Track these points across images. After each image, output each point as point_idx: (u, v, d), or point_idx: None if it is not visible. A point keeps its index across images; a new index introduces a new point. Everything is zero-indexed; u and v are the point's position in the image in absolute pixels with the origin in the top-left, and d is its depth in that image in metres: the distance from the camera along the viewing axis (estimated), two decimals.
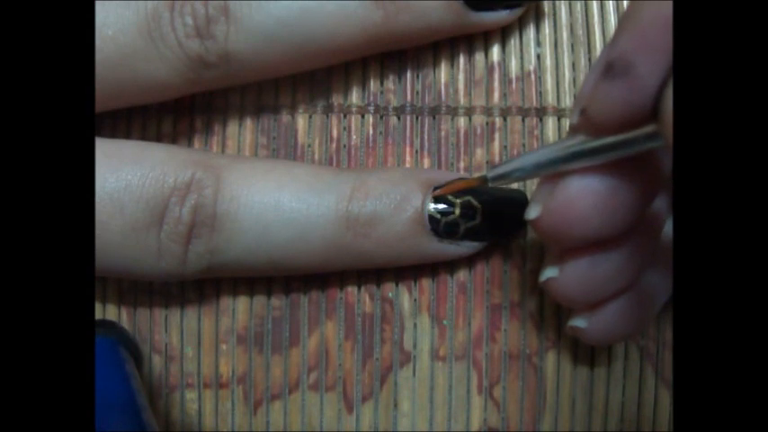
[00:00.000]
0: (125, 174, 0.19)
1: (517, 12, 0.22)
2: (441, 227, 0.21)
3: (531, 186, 0.22)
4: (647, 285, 0.20)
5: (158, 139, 0.22)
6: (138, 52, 0.19)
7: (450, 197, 0.20)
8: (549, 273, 0.19)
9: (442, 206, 0.20)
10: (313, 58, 0.21)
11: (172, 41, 0.19)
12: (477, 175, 0.22)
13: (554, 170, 0.18)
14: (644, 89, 0.15)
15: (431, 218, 0.20)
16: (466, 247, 0.21)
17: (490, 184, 0.19)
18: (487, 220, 0.21)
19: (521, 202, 0.21)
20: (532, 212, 0.18)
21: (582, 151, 0.17)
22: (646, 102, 0.15)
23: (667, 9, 0.14)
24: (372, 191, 0.20)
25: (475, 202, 0.21)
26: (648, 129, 0.16)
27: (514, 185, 0.22)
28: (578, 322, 0.20)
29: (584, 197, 0.17)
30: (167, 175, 0.19)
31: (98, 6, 0.19)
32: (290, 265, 0.21)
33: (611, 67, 0.15)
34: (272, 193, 0.20)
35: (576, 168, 0.17)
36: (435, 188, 0.21)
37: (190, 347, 0.22)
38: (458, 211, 0.21)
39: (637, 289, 0.19)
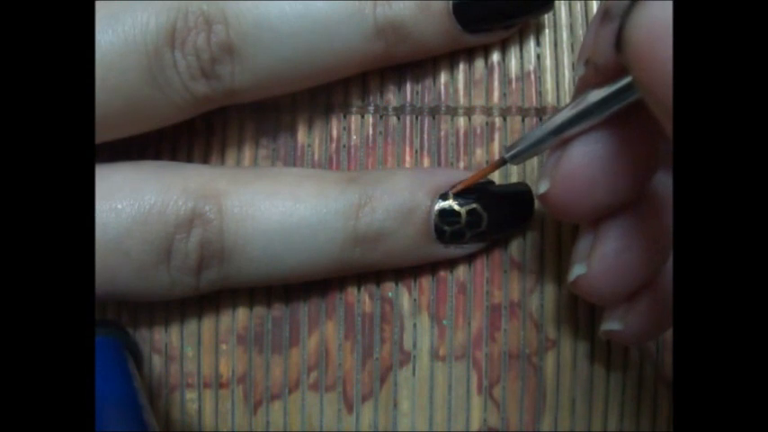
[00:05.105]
0: (124, 217, 0.19)
1: (514, 28, 0.22)
2: (447, 236, 0.21)
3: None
4: (671, 279, 0.20)
5: (159, 139, 0.22)
6: (145, 100, 0.19)
7: (456, 207, 0.21)
8: (578, 270, 0.19)
9: (448, 217, 0.21)
10: (313, 82, 0.21)
11: (178, 85, 0.19)
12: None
13: (561, 137, 0.18)
14: None
15: (437, 228, 0.21)
16: (470, 248, 0.22)
17: (509, 164, 0.20)
18: (493, 226, 0.21)
19: (524, 197, 0.22)
20: (542, 187, 0.18)
21: (578, 113, 0.17)
22: None
23: None
24: (379, 205, 0.20)
25: (481, 210, 0.21)
26: (628, 79, 0.16)
27: (517, 179, 0.22)
28: (613, 325, 0.20)
29: (588, 163, 0.17)
30: (168, 212, 0.19)
31: (98, 56, 0.18)
32: (300, 281, 0.21)
33: (608, 12, 0.16)
34: (277, 221, 0.20)
35: (579, 132, 0.18)
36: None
37: (190, 347, 0.22)
38: (464, 221, 0.21)
39: (663, 282, 0.19)
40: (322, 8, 0.19)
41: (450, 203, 0.21)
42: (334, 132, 0.23)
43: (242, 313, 0.22)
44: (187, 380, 0.22)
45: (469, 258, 0.22)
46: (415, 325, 0.22)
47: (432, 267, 0.22)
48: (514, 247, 0.23)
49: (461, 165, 0.23)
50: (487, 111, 0.23)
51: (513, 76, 0.23)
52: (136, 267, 0.19)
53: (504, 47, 0.23)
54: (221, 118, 0.23)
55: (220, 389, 0.22)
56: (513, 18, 0.22)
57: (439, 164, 0.23)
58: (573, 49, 0.23)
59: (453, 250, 0.21)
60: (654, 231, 0.19)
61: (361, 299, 0.22)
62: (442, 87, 0.23)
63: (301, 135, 0.23)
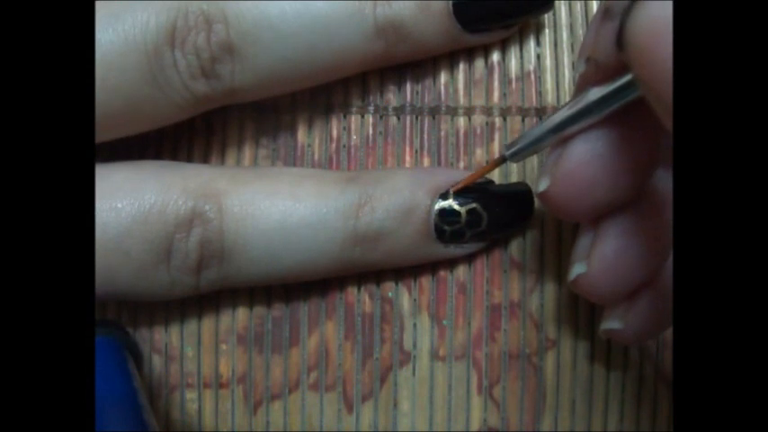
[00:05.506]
0: (124, 217, 0.19)
1: (514, 28, 0.22)
2: (447, 236, 0.21)
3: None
4: (671, 277, 0.20)
5: (159, 139, 0.22)
6: (145, 99, 0.19)
7: (456, 207, 0.21)
8: (578, 269, 0.19)
9: (448, 217, 0.21)
10: (313, 82, 0.21)
11: (178, 85, 0.19)
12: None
13: (561, 135, 0.18)
14: None
15: (437, 227, 0.21)
16: (470, 248, 0.22)
17: (509, 162, 0.20)
18: (493, 226, 0.21)
19: (524, 196, 0.22)
20: (542, 185, 0.18)
21: (578, 111, 0.17)
22: None
23: None
24: (378, 205, 0.20)
25: (480, 210, 0.21)
26: (628, 77, 0.16)
27: (517, 178, 0.22)
28: (613, 324, 0.20)
29: (588, 161, 0.17)
30: (167, 212, 0.19)
31: (98, 55, 0.18)
32: (299, 280, 0.21)
33: (609, 10, 0.16)
34: (277, 220, 0.20)
35: (579, 130, 0.18)
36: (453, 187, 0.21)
37: (190, 347, 0.22)
38: (464, 220, 0.21)
39: (664, 280, 0.19)
40: (322, 8, 0.19)
41: (450, 203, 0.21)
42: (334, 132, 0.23)
43: (242, 313, 0.22)
44: (187, 380, 0.22)
45: (469, 258, 0.22)
46: (415, 325, 0.22)
47: (432, 267, 0.22)
48: (514, 246, 0.23)
49: (461, 165, 0.23)
50: (487, 111, 0.23)
51: (513, 76, 0.23)
52: (136, 267, 0.19)
53: (504, 47, 0.23)
54: (221, 118, 0.23)
55: (220, 389, 0.22)
56: (513, 18, 0.22)
57: (439, 164, 0.23)
58: (573, 49, 0.23)
59: (453, 250, 0.21)
60: (654, 230, 0.19)
61: (361, 299, 0.22)
62: (442, 87, 0.23)
63: (301, 135, 0.23)
